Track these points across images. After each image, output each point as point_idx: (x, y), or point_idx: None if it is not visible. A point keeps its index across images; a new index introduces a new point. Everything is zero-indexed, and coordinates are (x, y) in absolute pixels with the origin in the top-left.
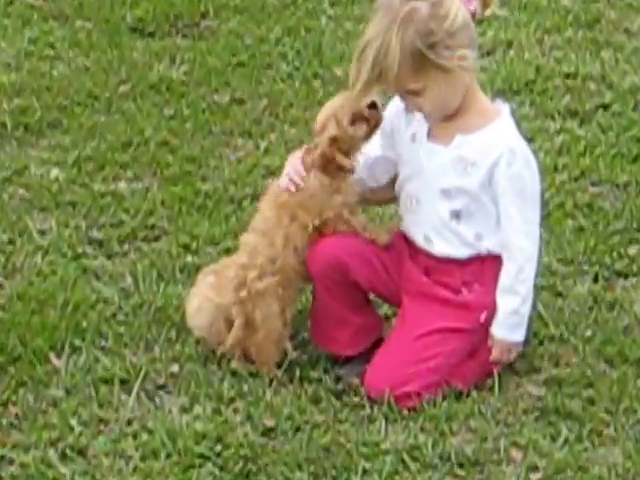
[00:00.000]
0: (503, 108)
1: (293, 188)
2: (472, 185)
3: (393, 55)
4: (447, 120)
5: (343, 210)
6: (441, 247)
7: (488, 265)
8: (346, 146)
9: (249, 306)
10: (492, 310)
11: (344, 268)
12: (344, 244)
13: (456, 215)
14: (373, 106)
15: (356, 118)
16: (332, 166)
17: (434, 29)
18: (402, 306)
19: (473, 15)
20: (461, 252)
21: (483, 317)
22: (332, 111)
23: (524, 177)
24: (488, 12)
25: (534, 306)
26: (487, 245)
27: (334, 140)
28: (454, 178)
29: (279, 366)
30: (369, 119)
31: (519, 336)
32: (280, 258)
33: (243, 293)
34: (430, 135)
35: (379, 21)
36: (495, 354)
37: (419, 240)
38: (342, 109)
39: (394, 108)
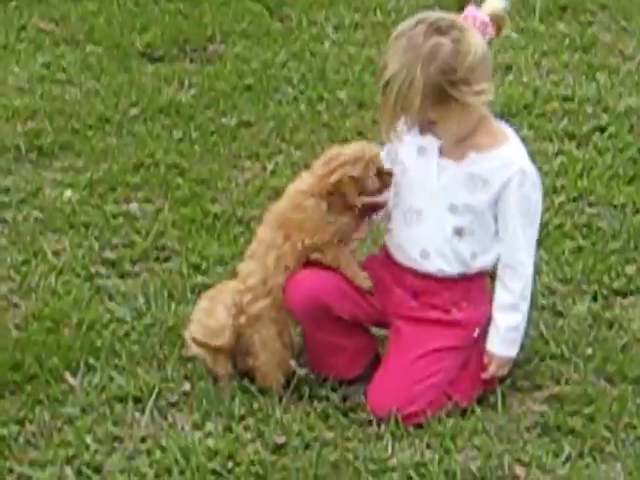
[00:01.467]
0: (508, 130)
1: None
2: (481, 202)
3: (416, 90)
4: (459, 139)
5: (335, 238)
6: (437, 263)
7: (475, 283)
8: (359, 190)
9: (248, 332)
10: (483, 325)
11: (325, 307)
12: (320, 281)
13: (458, 232)
14: (389, 174)
15: (379, 173)
16: (337, 198)
17: (456, 66)
18: (395, 329)
19: (488, 42)
20: (454, 269)
21: (477, 332)
22: (366, 154)
23: (531, 198)
24: (502, 35)
25: (528, 322)
26: (479, 264)
27: (355, 180)
28: (464, 195)
29: (288, 384)
30: (385, 180)
31: (514, 352)
32: (271, 278)
33: (242, 319)
34: (442, 150)
35: (402, 54)
36: (491, 370)
37: (414, 255)
38: (373, 159)
39: None
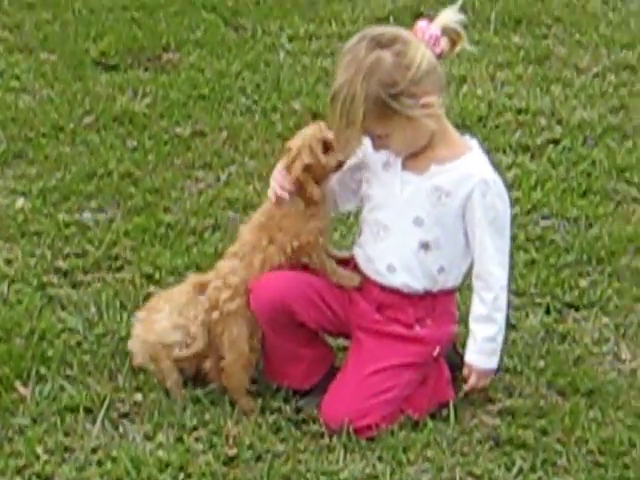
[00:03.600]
0: (472, 142)
1: (286, 196)
2: (446, 215)
3: (358, 105)
4: (419, 152)
5: (319, 236)
6: (403, 277)
7: (440, 301)
8: (318, 175)
9: (219, 329)
10: (444, 343)
11: (289, 311)
12: (286, 285)
13: (425, 246)
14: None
15: (329, 147)
16: (304, 193)
17: (397, 79)
18: (355, 340)
19: (440, 55)
20: (420, 284)
21: (436, 351)
22: (306, 139)
23: (497, 207)
24: (457, 49)
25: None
26: (446, 279)
27: (308, 168)
28: (428, 207)
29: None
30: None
31: (494, 363)
32: (253, 279)
33: (215, 315)
34: (404, 164)
35: (345, 70)
36: (471, 381)
37: (381, 269)
38: (315, 138)
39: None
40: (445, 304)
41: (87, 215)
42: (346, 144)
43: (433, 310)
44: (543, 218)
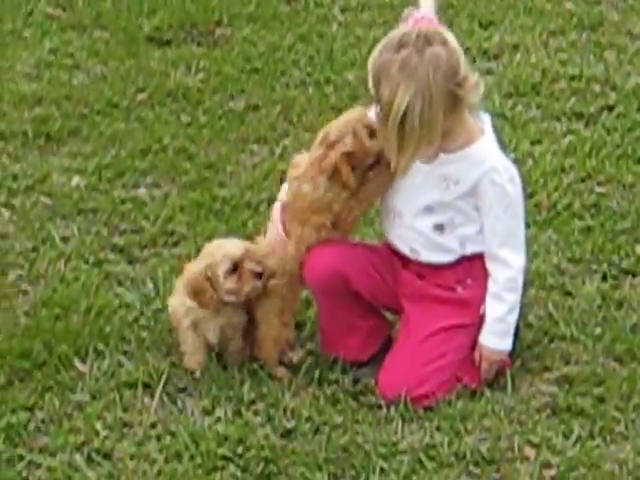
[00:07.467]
0: (485, 120)
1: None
2: (457, 199)
3: (437, 106)
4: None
5: (345, 197)
6: (428, 256)
7: (476, 262)
8: (356, 160)
9: (256, 303)
10: None
11: (344, 279)
12: (341, 255)
13: (439, 228)
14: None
15: (373, 133)
16: (339, 178)
17: (456, 67)
18: (404, 310)
19: None
20: (448, 258)
21: (483, 309)
22: (350, 124)
23: (508, 193)
24: None
25: (521, 316)
26: (471, 249)
27: (348, 155)
28: (438, 195)
29: (294, 368)
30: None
31: (507, 345)
32: (290, 262)
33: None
34: None
35: (407, 85)
36: (484, 366)
37: (406, 252)
38: (361, 123)
39: None
40: (483, 263)
41: (142, 191)
42: (414, 160)
43: (472, 270)
44: (598, 185)
